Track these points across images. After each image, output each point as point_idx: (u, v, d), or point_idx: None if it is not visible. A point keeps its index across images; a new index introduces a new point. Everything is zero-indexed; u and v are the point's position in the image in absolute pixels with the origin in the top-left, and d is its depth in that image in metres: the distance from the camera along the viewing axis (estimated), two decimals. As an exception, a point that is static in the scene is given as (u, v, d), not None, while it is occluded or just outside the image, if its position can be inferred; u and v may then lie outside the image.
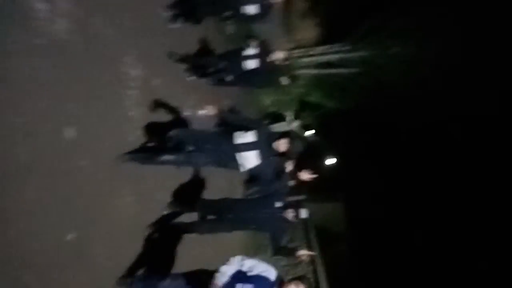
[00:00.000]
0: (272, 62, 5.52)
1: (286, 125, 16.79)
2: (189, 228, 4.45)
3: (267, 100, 16.59)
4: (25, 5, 2.86)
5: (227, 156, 3.62)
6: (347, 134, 16.78)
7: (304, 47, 13.89)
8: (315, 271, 7.73)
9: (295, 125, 18.67)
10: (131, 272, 3.53)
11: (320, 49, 13.16)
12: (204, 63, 6.04)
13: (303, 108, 19.70)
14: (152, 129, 4.20)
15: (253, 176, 4.65)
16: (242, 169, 3.65)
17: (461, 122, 10.89)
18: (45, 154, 2.84)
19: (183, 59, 5.58)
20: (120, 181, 3.71)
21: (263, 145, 3.58)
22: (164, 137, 3.81)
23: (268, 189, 6.11)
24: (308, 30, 14.63)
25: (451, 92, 10.58)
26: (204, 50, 6.74)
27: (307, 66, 13.53)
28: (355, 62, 11.99)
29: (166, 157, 3.94)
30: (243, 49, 5.45)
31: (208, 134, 3.84)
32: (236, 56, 5.48)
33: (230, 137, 3.64)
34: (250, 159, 3.57)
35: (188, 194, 4.84)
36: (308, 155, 15.05)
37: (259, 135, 3.59)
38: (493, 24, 9.14)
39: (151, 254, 3.86)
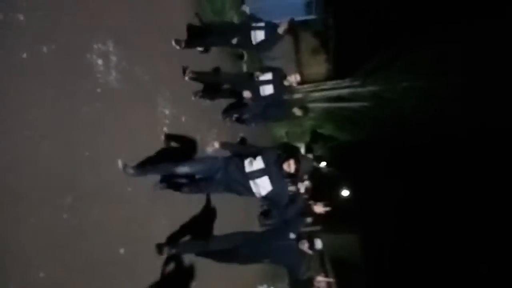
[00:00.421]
0: (287, 87, 5.89)
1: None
2: (206, 254, 4.47)
3: (281, 132, 17.05)
4: (86, 59, 3.40)
5: (240, 185, 3.65)
6: (359, 165, 17.02)
7: (314, 81, 14.45)
8: None
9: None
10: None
11: (330, 83, 13.67)
12: (219, 93, 6.51)
13: (315, 140, 20.08)
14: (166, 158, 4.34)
15: (269, 203, 4.45)
16: (258, 196, 3.68)
17: (474, 151, 11.08)
18: (104, 181, 3.33)
19: (197, 78, 5.80)
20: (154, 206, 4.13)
21: (273, 169, 3.59)
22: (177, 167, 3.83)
23: (285, 215, 6.39)
24: (318, 66, 15.24)
25: (462, 122, 10.82)
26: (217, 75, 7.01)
27: (318, 100, 14.00)
28: (365, 96, 12.40)
29: (184, 189, 4.20)
30: (257, 76, 5.82)
31: (217, 163, 3.81)
32: (252, 81, 5.79)
33: (241, 167, 3.66)
34: (263, 185, 3.59)
35: (199, 228, 5.01)
36: (322, 187, 15.24)
37: (267, 160, 3.62)
38: (501, 57, 9.38)
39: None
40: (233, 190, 3.76)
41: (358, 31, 12.10)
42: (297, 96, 13.33)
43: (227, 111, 7.22)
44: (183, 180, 4.34)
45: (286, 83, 5.79)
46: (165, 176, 4.24)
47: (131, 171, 3.63)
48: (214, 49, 6.74)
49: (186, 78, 5.60)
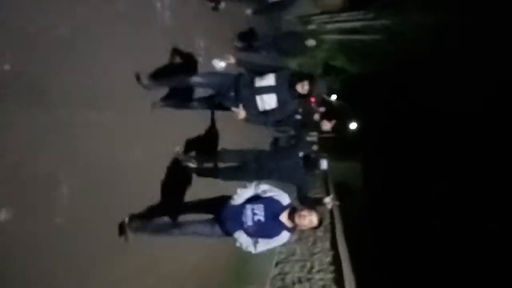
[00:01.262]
0: None
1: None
2: (211, 172, 4.57)
3: (293, 62, 17.29)
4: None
5: (247, 98, 3.63)
6: (369, 99, 17.41)
7: (329, 12, 14.45)
8: (332, 219, 8.83)
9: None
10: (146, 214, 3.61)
11: (344, 15, 13.71)
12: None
13: (327, 72, 20.26)
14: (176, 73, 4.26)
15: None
16: (261, 109, 3.67)
17: (482, 94, 11.35)
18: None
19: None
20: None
21: (283, 87, 3.58)
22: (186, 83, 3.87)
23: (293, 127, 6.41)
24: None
25: (471, 61, 11.03)
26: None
27: (332, 32, 14.13)
28: (377, 29, 12.54)
29: (193, 103, 4.22)
30: None
31: (228, 78, 3.81)
32: None
33: (250, 80, 3.66)
34: (269, 102, 3.61)
35: (205, 144, 5.00)
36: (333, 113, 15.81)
37: (279, 78, 3.60)
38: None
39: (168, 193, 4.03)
40: (243, 105, 3.70)
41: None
42: (311, 27, 13.46)
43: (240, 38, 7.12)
44: (190, 96, 4.37)
45: None
46: (172, 91, 4.18)
47: (145, 81, 3.67)
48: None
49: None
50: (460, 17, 10.29)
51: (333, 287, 6.42)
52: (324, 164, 4.48)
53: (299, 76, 3.63)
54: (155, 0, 4.33)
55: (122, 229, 3.28)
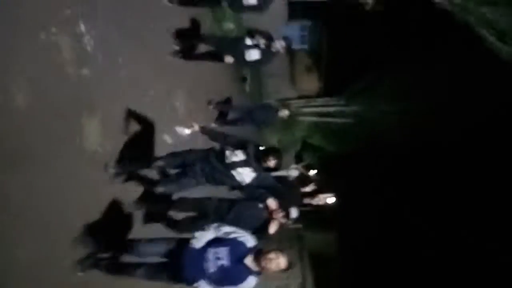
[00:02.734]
0: (275, 54, 5.66)
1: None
2: (170, 224, 4.38)
3: (273, 139, 18.58)
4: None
5: (222, 174, 3.67)
6: (344, 175, 18.67)
7: (306, 97, 16.17)
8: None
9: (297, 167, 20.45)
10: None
11: (320, 100, 15.38)
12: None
13: (305, 149, 21.63)
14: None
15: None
16: (243, 184, 3.70)
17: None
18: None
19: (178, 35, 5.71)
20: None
21: (254, 161, 3.67)
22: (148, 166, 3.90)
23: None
24: (311, 83, 17.02)
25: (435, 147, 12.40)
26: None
27: (309, 114, 15.69)
28: (348, 115, 14.10)
29: (160, 188, 3.98)
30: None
31: (196, 155, 3.79)
32: (238, 45, 5.52)
33: (221, 157, 3.69)
34: (246, 173, 3.63)
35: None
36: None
37: (248, 153, 3.67)
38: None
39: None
40: (216, 181, 3.74)
41: (347, 55, 13.82)
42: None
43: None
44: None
45: (273, 49, 5.57)
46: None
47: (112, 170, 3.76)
48: (218, 71, 7.56)
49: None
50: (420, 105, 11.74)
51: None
52: (294, 212, 4.32)
53: (265, 151, 3.68)
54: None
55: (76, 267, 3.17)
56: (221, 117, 7.15)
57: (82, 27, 3.57)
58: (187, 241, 2.96)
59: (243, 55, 5.39)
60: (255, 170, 3.67)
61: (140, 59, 4.71)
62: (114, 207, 3.77)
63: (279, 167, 3.71)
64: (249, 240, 2.94)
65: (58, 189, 3.17)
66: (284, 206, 4.14)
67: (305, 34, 13.77)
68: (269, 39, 5.62)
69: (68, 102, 3.41)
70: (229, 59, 5.48)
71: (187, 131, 4.28)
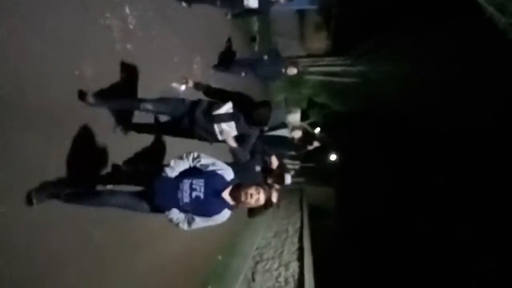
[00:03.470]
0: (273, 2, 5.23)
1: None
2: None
3: (280, 96, 19.08)
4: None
5: (202, 129, 3.48)
6: (347, 133, 19.37)
7: (314, 56, 16.50)
8: (301, 239, 9.76)
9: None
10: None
11: (327, 60, 15.74)
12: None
13: (311, 106, 22.14)
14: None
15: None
16: (221, 139, 3.49)
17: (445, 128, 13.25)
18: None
19: None
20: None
21: (241, 115, 3.42)
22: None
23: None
24: (320, 41, 17.28)
25: (434, 105, 12.99)
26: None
27: (316, 73, 16.11)
28: (354, 74, 14.54)
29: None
30: None
31: (182, 105, 3.56)
32: None
33: (206, 109, 3.47)
34: (228, 130, 3.42)
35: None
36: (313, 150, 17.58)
37: (237, 106, 3.45)
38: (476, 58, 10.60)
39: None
40: (195, 135, 3.58)
41: (357, 15, 14.05)
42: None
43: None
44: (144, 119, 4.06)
45: None
46: (124, 112, 3.86)
47: (91, 99, 3.25)
48: (232, 33, 7.76)
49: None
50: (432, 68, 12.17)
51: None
52: (288, 179, 4.32)
53: (255, 104, 3.48)
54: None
55: (28, 199, 2.69)
56: (221, 64, 6.80)
57: (127, 10, 4.08)
58: (160, 168, 2.81)
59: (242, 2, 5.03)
60: (241, 123, 3.45)
61: (167, 32, 5.04)
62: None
63: (266, 120, 3.41)
64: (229, 174, 2.80)
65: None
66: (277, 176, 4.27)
67: (315, -5, 13.85)
68: None
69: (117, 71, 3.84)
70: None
71: (182, 87, 4.25)
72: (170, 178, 2.72)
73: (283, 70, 6.16)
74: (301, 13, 15.30)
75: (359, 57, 14.29)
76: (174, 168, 2.75)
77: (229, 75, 6.63)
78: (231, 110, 3.45)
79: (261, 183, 2.95)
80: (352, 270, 11.26)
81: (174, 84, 4.59)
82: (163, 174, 2.74)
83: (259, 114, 3.35)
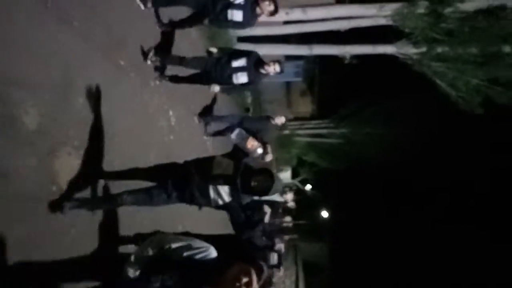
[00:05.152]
0: (263, 76, 4.92)
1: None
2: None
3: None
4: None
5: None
6: (337, 189, 20.40)
7: (301, 119, 18.04)
8: None
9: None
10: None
11: (313, 123, 17.26)
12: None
13: (301, 164, 23.23)
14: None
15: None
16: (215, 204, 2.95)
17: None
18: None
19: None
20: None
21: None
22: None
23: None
24: (305, 105, 19.02)
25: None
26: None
27: (303, 135, 17.56)
28: (338, 136, 15.97)
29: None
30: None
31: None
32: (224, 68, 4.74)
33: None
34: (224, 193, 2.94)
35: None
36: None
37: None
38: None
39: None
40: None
41: (337, 82, 15.72)
42: (285, 132, 16.75)
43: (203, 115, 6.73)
44: None
45: (263, 71, 4.79)
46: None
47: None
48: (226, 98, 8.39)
49: (148, 62, 4.79)
50: (403, 129, 13.57)
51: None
52: (274, 258, 4.13)
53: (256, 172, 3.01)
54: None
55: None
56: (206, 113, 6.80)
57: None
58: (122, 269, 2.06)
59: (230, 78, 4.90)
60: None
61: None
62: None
63: (267, 190, 2.82)
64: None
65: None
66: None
67: (299, 70, 15.58)
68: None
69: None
70: (215, 88, 5.02)
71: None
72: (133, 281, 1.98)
73: (272, 121, 6.10)
74: (287, 82, 16.99)
75: (341, 120, 15.78)
76: (136, 265, 1.99)
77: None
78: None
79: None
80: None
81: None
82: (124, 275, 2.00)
83: (258, 183, 2.79)
